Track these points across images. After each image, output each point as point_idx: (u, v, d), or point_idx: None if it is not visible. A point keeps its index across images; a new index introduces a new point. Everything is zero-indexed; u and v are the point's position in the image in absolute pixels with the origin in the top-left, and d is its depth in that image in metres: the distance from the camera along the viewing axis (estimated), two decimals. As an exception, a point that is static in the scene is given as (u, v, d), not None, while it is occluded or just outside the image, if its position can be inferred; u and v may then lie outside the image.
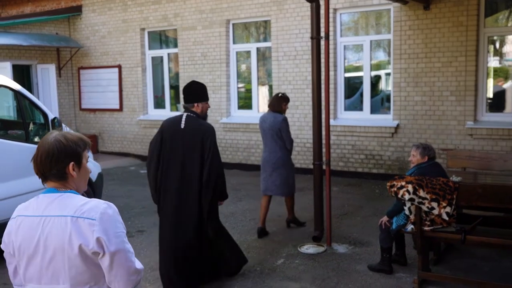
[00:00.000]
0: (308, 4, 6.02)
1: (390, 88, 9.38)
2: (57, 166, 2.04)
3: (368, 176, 9.39)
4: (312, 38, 5.92)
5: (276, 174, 6.37)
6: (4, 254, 2.14)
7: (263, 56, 10.91)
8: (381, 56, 9.93)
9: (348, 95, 9.97)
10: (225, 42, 10.88)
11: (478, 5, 8.33)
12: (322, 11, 5.93)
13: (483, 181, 6.00)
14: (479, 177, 6.34)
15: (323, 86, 6.23)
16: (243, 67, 11.26)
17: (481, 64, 8.48)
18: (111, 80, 12.77)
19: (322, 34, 5.94)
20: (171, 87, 12.16)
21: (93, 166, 7.07)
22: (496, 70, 8.88)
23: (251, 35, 11.11)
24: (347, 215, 7.22)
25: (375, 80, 9.89)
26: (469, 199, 4.60)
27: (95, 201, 2.04)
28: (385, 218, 5.03)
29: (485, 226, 5.12)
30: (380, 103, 9.88)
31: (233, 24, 10.95)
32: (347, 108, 9.90)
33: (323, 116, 6.04)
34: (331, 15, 9.43)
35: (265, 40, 10.78)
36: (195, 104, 4.76)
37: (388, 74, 9.57)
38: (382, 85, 9.93)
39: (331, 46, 9.43)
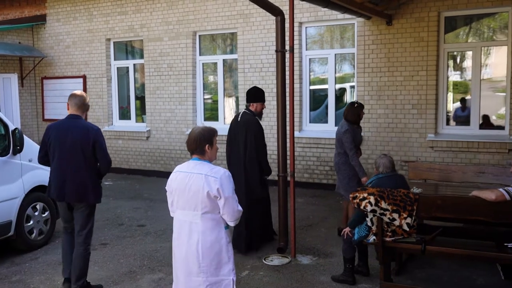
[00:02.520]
0: (274, 18, 6.07)
1: (354, 101, 9.51)
2: (198, 146, 3.57)
3: (332, 187, 9.43)
4: (277, 51, 5.98)
5: (338, 175, 6.75)
6: (167, 193, 3.68)
7: (230, 68, 10.94)
8: (346, 69, 10.09)
9: (313, 108, 10.08)
10: (192, 53, 10.87)
11: (438, 22, 8.58)
12: (288, 25, 5.99)
13: (443, 192, 6.12)
14: (439, 189, 6.48)
15: (288, 99, 6.27)
16: (210, 78, 11.27)
17: (441, 78, 8.72)
18: (76, 91, 12.54)
19: (287, 47, 6.01)
20: (137, 98, 12.05)
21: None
22: (456, 84, 9.13)
23: (218, 47, 11.13)
24: (312, 226, 7.26)
25: (340, 93, 10.04)
26: (429, 210, 4.70)
27: (219, 167, 3.52)
28: (347, 229, 5.09)
29: (444, 236, 5.23)
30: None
31: (200, 36, 10.96)
32: (312, 120, 10.01)
33: (288, 128, 6.09)
34: (296, 28, 9.55)
35: (231, 52, 10.82)
36: (251, 104, 6.29)
37: (352, 87, 9.73)
38: (346, 97, 10.08)
39: (296, 59, 9.55)
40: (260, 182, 6.24)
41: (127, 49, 12.28)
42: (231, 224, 3.58)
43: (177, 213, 3.65)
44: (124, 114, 12.24)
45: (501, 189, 4.41)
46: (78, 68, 12.49)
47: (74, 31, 12.48)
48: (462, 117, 8.93)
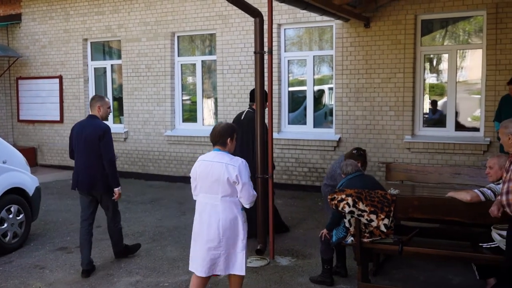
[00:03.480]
0: (253, 19, 6.07)
1: (332, 102, 9.58)
2: (221, 139, 4.19)
3: (311, 188, 9.52)
4: (255, 52, 5.98)
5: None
6: (191, 179, 4.24)
7: (209, 69, 10.91)
8: (324, 71, 10.14)
9: (292, 109, 10.11)
10: (170, 54, 10.81)
11: (415, 25, 8.68)
12: (266, 27, 6.00)
13: (420, 193, 6.18)
14: (416, 190, 6.55)
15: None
16: (189, 79, 11.22)
17: (418, 80, 8.82)
18: (52, 91, 12.39)
19: (266, 49, 6.01)
20: (115, 98, 11.93)
21: (30, 180, 6.82)
22: (432, 86, 9.25)
23: (197, 48, 11.09)
24: (290, 227, 7.27)
25: (319, 95, 10.08)
26: (406, 211, 4.74)
27: (237, 158, 4.15)
28: (325, 231, 5.11)
29: (421, 237, 5.30)
30: (323, 117, 10.08)
31: (178, 37, 10.91)
32: (291, 122, 10.04)
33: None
34: (275, 30, 9.57)
35: (210, 53, 10.79)
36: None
37: (331, 89, 9.78)
38: (325, 99, 10.13)
39: (275, 61, 9.56)
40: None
41: (104, 49, 12.15)
42: (247, 206, 4.20)
43: (200, 196, 4.25)
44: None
45: (476, 190, 4.48)
46: (54, 68, 12.32)
47: (50, 30, 12.30)
48: (433, 120, 9.06)
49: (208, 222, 4.15)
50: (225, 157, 4.15)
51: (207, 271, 4.19)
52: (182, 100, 11.09)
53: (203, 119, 10.88)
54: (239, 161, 4.13)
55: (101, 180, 5.57)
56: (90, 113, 5.74)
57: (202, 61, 10.77)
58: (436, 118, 9.06)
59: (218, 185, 4.10)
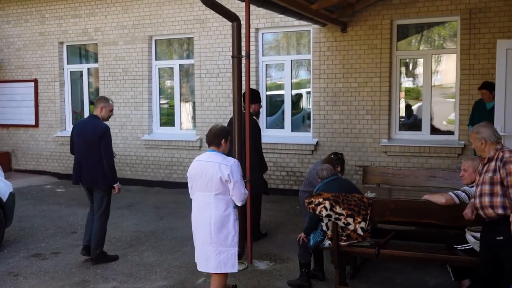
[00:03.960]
0: (230, 23, 6.07)
1: (310, 106, 9.63)
2: (216, 140, 4.49)
3: (289, 192, 9.54)
4: (233, 56, 5.98)
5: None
6: (188, 179, 4.57)
7: (186, 73, 10.88)
8: (302, 75, 10.20)
9: (270, 113, 10.14)
10: (148, 58, 10.75)
11: (391, 30, 8.79)
12: (244, 31, 6.00)
13: (397, 196, 6.24)
14: (393, 193, 6.61)
15: (244, 104, 6.28)
16: (167, 83, 11.16)
17: (394, 84, 8.92)
18: (27, 95, 12.20)
19: (244, 53, 6.02)
20: (91, 102, 11.79)
21: (3, 186, 6.69)
22: (408, 90, 9.37)
23: (174, 52, 11.05)
24: (269, 231, 7.27)
25: (296, 99, 10.13)
26: (382, 214, 4.79)
27: (230, 158, 4.46)
28: (303, 235, 5.12)
29: (398, 239, 5.35)
30: (301, 121, 10.12)
31: (156, 40, 10.85)
32: (269, 125, 10.06)
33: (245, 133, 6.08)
34: (253, 34, 9.59)
35: (188, 57, 10.76)
36: (250, 105, 6.36)
37: (308, 93, 9.83)
38: (303, 103, 10.18)
39: (253, 65, 9.58)
40: (261, 178, 6.93)
41: (81, 52, 12.01)
42: (239, 204, 4.48)
43: (195, 194, 4.57)
44: (77, 119, 11.95)
45: (450, 193, 4.54)
46: (29, 71, 12.13)
47: (25, 33, 12.12)
48: (407, 124, 9.18)
49: (201, 219, 4.48)
50: (219, 157, 4.44)
51: (202, 266, 4.54)
52: (160, 104, 11.02)
53: (180, 123, 10.83)
54: (232, 161, 4.42)
55: (102, 177, 6.00)
56: (93, 113, 6.18)
57: (180, 65, 10.73)
58: (410, 122, 9.19)
59: (211, 184, 4.39)
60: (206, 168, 4.41)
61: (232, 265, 4.46)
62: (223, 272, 4.49)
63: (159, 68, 10.92)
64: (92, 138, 5.95)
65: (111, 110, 6.21)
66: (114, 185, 6.07)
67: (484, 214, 4.00)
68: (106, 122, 6.14)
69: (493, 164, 4.01)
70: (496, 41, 7.28)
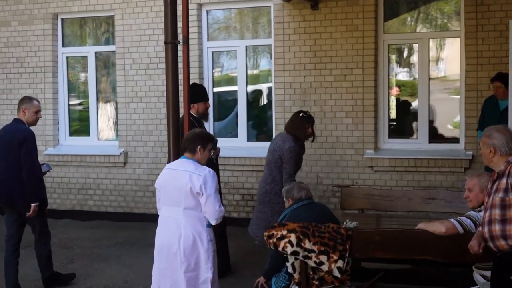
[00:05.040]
0: (164, -3, 6.08)
1: (272, 107, 9.67)
2: (191, 145, 4.91)
3: (245, 222, 9.50)
4: (166, 42, 5.99)
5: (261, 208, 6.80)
6: (156, 190, 5.03)
7: (105, 64, 10.81)
8: (261, 65, 10.28)
9: (218, 116, 10.17)
10: (52, 43, 10.63)
11: (376, 6, 8.96)
12: (182, 7, 6.02)
13: (386, 225, 6.35)
14: (381, 221, 6.73)
15: (182, 105, 6.28)
16: (80, 77, 11.05)
17: (381, 78, 9.10)
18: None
19: (180, 37, 6.04)
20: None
21: None
22: (403, 84, 9.57)
23: (89, 36, 10.96)
24: (219, 274, 7.25)
25: (254, 97, 10.18)
26: (366, 249, 4.87)
27: (204, 167, 4.85)
28: (262, 279, 5.15)
29: (387, 282, 5.45)
30: (260, 126, 10.18)
31: (63, 20, 10.76)
32: (218, 133, 10.05)
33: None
34: (194, 12, 9.59)
35: (107, 42, 10.70)
36: (192, 105, 6.69)
37: (270, 89, 9.89)
38: (262, 103, 10.25)
39: (194, 53, 9.58)
40: None
41: (-42, 36, 11.77)
42: (213, 222, 4.83)
43: (162, 209, 4.97)
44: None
45: (452, 220, 4.66)
46: None
47: None
48: (400, 130, 9.41)
49: (168, 239, 4.86)
50: (191, 165, 4.86)
51: None
52: (69, 105, 10.90)
53: (98, 132, 10.72)
54: (205, 171, 4.82)
55: (21, 193, 6.38)
56: (16, 117, 6.67)
57: (96, 52, 10.67)
58: (404, 127, 9.39)
59: (180, 196, 4.80)
60: (175, 177, 4.85)
61: None
62: None
63: (67, 57, 10.82)
64: (11, 146, 6.39)
65: (37, 112, 6.67)
66: (32, 204, 6.36)
67: (495, 246, 4.08)
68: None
69: (504, 181, 4.08)
70: (509, 21, 7.47)
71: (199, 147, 4.90)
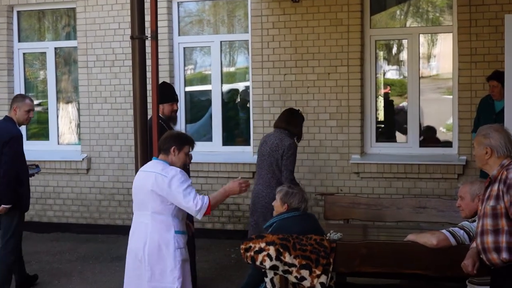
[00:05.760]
0: (130, -11, 6.07)
1: (250, 108, 9.67)
2: (165, 145, 5.08)
3: (221, 234, 9.55)
4: (132, 37, 5.97)
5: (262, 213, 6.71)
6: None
7: (66, 61, 10.76)
8: (238, 63, 10.27)
9: (191, 119, 10.15)
10: (6, 39, 10.55)
11: (361, -1, 9.03)
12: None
13: (373, 237, 6.37)
14: (368, 232, 6.74)
15: (151, 106, 6.26)
16: (39, 75, 10.99)
17: (368, 76, 9.14)
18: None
19: (149, 32, 6.02)
20: None
21: None
22: (392, 83, 9.62)
23: (48, 30, 10.91)
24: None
25: (230, 97, 10.17)
26: (351, 263, 4.89)
27: (173, 167, 4.97)
28: (238, 297, 5.15)
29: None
30: (237, 129, 10.18)
31: (19, 13, 10.70)
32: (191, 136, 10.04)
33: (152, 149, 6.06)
34: (164, 4, 9.58)
35: (68, 37, 10.66)
36: (159, 106, 6.51)
37: (247, 89, 9.89)
38: (239, 104, 10.23)
39: (164, 49, 9.55)
40: None
41: None
42: (198, 217, 4.99)
43: (134, 214, 5.13)
44: None
45: (444, 231, 4.68)
46: None
47: None
48: (388, 133, 9.47)
49: (135, 245, 5.00)
50: (159, 166, 5.01)
51: None
52: (27, 106, 10.80)
53: (58, 135, 10.65)
54: (173, 171, 4.93)
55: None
56: (7, 114, 7.12)
57: (56, 48, 10.63)
58: (393, 130, 9.45)
59: (147, 200, 4.95)
60: (144, 179, 5.00)
61: None
62: None
63: (24, 54, 10.77)
64: None
65: (29, 111, 7.04)
66: (3, 204, 6.73)
67: (487, 259, 4.06)
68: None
69: (496, 187, 4.03)
70: (504, 16, 7.52)
71: (173, 148, 5.02)
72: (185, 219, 5.23)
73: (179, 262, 4.89)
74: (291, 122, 6.95)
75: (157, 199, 4.88)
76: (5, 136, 6.80)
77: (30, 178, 7.38)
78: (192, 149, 5.25)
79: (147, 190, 4.92)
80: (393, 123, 9.72)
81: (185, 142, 5.15)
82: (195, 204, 4.83)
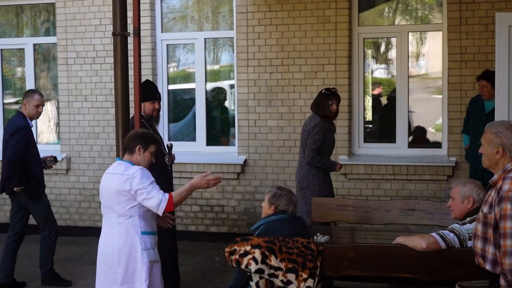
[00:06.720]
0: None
1: (234, 107, 9.67)
2: (130, 144, 5.08)
3: (204, 237, 9.53)
4: (114, 34, 5.96)
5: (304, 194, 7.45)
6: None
7: (45, 58, 10.73)
8: (222, 61, 10.27)
9: (174, 118, 10.13)
10: (-17, 34, 10.52)
11: (349, -5, 9.05)
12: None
13: (361, 240, 6.39)
14: (356, 235, 6.75)
15: (133, 105, 6.25)
16: (16, 73, 10.94)
17: (355, 75, 9.17)
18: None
19: (131, 28, 6.01)
20: None
21: None
22: (378, 82, 9.64)
23: (26, 25, 10.87)
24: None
25: (214, 96, 10.17)
26: (339, 266, 4.88)
27: (136, 166, 4.98)
28: (222, 301, 5.15)
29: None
30: (222, 129, 10.18)
31: (-3, 7, 10.65)
32: (174, 136, 10.04)
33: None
34: (147, 0, 9.55)
35: (47, 33, 10.63)
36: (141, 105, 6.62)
37: (232, 87, 9.89)
38: (224, 102, 10.23)
39: (147, 46, 9.54)
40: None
41: None
42: (159, 213, 4.96)
43: (103, 218, 5.17)
44: None
45: (434, 234, 4.68)
46: None
47: None
48: (377, 133, 9.51)
49: (104, 249, 5.09)
50: (122, 166, 5.04)
51: None
52: (4, 104, 10.81)
53: (37, 135, 10.59)
54: (133, 170, 4.96)
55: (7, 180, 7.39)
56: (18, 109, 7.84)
57: (34, 44, 10.60)
58: (381, 130, 9.48)
59: (112, 202, 5.02)
60: (108, 182, 5.07)
61: None
62: None
63: (1, 50, 10.75)
64: (4, 137, 7.54)
65: (38, 106, 7.46)
66: (15, 188, 7.30)
67: (478, 262, 4.08)
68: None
69: (492, 193, 3.98)
70: (495, 14, 7.56)
71: (138, 147, 5.05)
72: (154, 219, 5.20)
73: (146, 264, 4.97)
74: (318, 104, 7.46)
75: (122, 201, 4.94)
76: (12, 128, 7.36)
77: (47, 170, 8.04)
78: (170, 150, 5.31)
79: (111, 192, 4.99)
80: (381, 123, 9.74)
81: (151, 141, 5.16)
82: (155, 199, 4.88)
